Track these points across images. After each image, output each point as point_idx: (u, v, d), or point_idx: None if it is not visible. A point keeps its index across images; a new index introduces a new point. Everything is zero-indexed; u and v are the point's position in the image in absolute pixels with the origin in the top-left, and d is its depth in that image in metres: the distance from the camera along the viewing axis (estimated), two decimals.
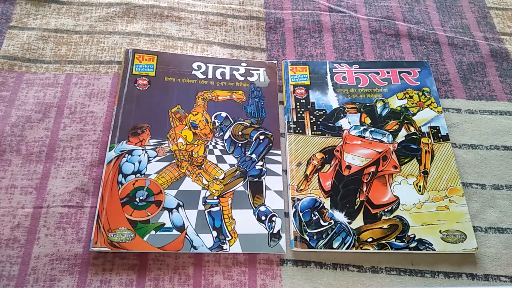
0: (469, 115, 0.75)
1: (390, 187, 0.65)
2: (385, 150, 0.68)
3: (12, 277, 0.56)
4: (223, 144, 0.68)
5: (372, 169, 0.67)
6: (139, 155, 0.65)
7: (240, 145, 0.68)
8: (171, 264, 0.59)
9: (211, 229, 0.60)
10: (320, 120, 0.71)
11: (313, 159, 0.67)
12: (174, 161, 0.65)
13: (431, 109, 0.73)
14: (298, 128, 0.70)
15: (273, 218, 0.62)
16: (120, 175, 0.63)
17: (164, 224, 0.60)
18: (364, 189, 0.65)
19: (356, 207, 0.63)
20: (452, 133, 0.72)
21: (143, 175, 0.63)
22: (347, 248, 0.60)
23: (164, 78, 0.73)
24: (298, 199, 0.64)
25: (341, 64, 0.78)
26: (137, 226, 0.59)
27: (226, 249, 0.59)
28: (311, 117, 0.71)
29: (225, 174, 0.65)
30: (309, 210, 0.63)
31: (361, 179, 0.66)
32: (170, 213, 0.61)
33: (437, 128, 0.71)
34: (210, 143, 0.68)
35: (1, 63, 0.73)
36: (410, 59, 0.81)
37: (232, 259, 0.60)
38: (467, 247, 0.60)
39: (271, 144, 0.69)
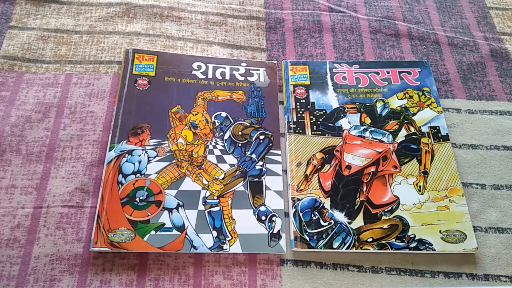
0: (469, 115, 0.75)
1: (390, 187, 0.65)
2: (385, 150, 0.68)
3: (12, 277, 0.56)
4: (223, 144, 0.68)
5: (372, 169, 0.67)
6: (139, 155, 0.65)
7: (240, 145, 0.68)
8: (171, 264, 0.59)
9: (211, 229, 0.60)
10: (320, 120, 0.71)
11: (313, 159, 0.67)
12: (174, 161, 0.65)
13: (431, 109, 0.73)
14: (298, 128, 0.70)
15: (273, 218, 0.62)
16: (120, 175, 0.63)
17: (164, 224, 0.60)
18: (364, 189, 0.65)
19: (356, 207, 0.63)
20: (452, 133, 0.72)
21: (143, 175, 0.63)
22: (347, 248, 0.60)
23: (164, 78, 0.73)
24: (298, 199, 0.64)
25: (341, 64, 0.78)
26: (137, 226, 0.59)
27: (226, 249, 0.59)
28: (311, 117, 0.71)
29: (225, 174, 0.65)
30: (309, 210, 0.63)
31: (361, 179, 0.66)
32: (170, 213, 0.61)
33: (437, 128, 0.71)
34: (210, 143, 0.68)
35: (1, 63, 0.73)
36: (410, 59, 0.81)
37: (232, 259, 0.60)
38: (467, 247, 0.60)
39: (271, 144, 0.69)
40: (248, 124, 0.70)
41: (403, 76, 0.77)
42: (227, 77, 0.75)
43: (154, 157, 0.65)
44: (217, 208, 0.62)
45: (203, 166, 0.66)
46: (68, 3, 0.83)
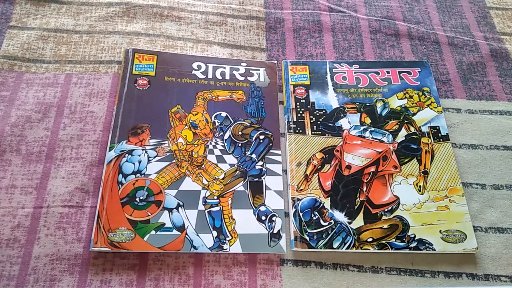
0: (469, 115, 0.75)
1: (390, 187, 0.65)
2: (385, 150, 0.68)
3: (12, 277, 0.56)
4: (223, 144, 0.68)
5: (372, 169, 0.67)
6: (139, 155, 0.65)
7: (240, 145, 0.68)
8: (171, 264, 0.59)
9: (211, 229, 0.60)
10: (320, 120, 0.71)
11: (313, 159, 0.67)
12: (174, 161, 0.65)
13: (431, 109, 0.73)
14: (298, 128, 0.70)
15: (273, 218, 0.62)
16: (120, 175, 0.63)
17: (164, 224, 0.60)
18: (364, 189, 0.65)
19: (356, 207, 0.63)
20: (452, 133, 0.72)
21: (143, 175, 0.63)
22: (347, 248, 0.60)
23: (164, 78, 0.73)
24: (298, 199, 0.64)
25: (341, 64, 0.78)
26: (137, 226, 0.59)
27: (226, 249, 0.59)
28: (311, 117, 0.71)
29: (225, 174, 0.65)
30: (309, 210, 0.63)
31: (361, 179, 0.66)
32: (170, 213, 0.61)
33: (437, 128, 0.71)
34: (210, 143, 0.68)
35: (1, 63, 0.73)
36: (410, 59, 0.81)
37: (232, 259, 0.60)
38: (467, 247, 0.60)
39: (271, 144, 0.69)
40: (248, 124, 0.70)
41: (403, 76, 0.77)
42: (227, 77, 0.75)
43: (154, 157, 0.65)
44: (217, 208, 0.62)
45: (203, 166, 0.66)
46: (68, 3, 0.83)
